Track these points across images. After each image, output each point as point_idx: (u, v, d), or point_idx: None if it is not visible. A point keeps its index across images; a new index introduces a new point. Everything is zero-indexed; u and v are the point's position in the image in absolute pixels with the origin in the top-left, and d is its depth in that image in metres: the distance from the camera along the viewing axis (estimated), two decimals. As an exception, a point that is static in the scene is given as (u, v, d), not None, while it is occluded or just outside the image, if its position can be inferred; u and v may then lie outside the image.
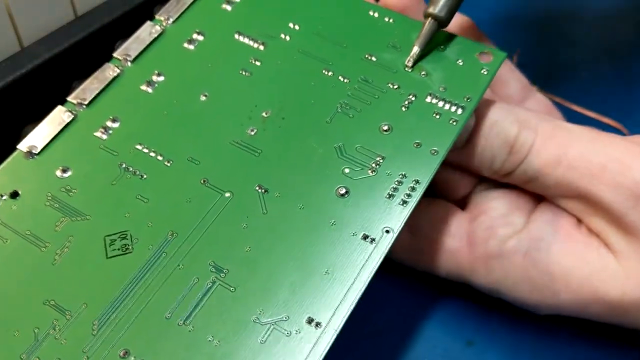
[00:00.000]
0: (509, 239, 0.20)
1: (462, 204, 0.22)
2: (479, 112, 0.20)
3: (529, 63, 0.31)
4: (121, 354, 0.16)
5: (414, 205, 0.18)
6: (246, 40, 0.21)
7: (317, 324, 0.16)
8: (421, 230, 0.21)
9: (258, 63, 0.21)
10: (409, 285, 0.22)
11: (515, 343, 0.21)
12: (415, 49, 0.21)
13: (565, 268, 0.20)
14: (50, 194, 0.18)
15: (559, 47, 0.31)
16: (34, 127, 0.19)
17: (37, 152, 0.19)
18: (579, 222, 0.20)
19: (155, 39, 0.21)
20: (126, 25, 0.23)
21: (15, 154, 0.19)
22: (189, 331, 0.16)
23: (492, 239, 0.20)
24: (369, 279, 0.17)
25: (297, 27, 0.22)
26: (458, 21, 0.23)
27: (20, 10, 0.21)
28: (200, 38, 0.22)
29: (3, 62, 0.21)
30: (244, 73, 0.21)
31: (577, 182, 0.19)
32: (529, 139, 0.20)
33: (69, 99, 0.20)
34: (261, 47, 0.21)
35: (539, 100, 0.24)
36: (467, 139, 0.20)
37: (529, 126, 0.20)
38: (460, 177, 0.22)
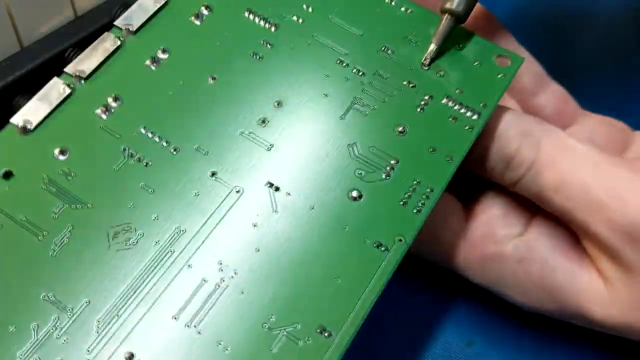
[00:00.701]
0: (506, 242, 0.20)
1: (461, 196, 0.22)
2: None
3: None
4: (126, 356, 0.16)
5: (428, 213, 0.18)
6: (257, 20, 0.21)
7: (329, 334, 0.16)
8: (424, 224, 0.21)
9: (269, 47, 0.20)
10: (408, 286, 0.22)
11: (516, 343, 0.22)
12: (432, 47, 0.20)
13: (555, 282, 0.20)
14: (46, 177, 0.17)
15: (560, 47, 0.31)
16: (25, 99, 0.18)
17: (31, 128, 0.18)
18: (577, 240, 0.20)
19: (159, 9, 0.20)
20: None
21: (7, 128, 0.18)
22: (197, 334, 0.16)
23: (490, 241, 0.20)
24: (381, 289, 0.17)
25: (310, 10, 0.21)
26: (477, 13, 0.23)
27: (20, 10, 0.21)
28: (208, 13, 0.21)
29: (3, 62, 0.21)
30: (254, 56, 0.20)
31: (575, 212, 0.19)
32: (528, 156, 0.20)
33: (65, 70, 0.19)
34: (272, 29, 0.20)
35: (554, 91, 0.24)
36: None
37: (531, 142, 0.20)
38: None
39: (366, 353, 0.21)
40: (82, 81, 0.19)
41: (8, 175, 0.17)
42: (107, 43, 0.19)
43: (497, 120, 0.20)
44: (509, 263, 0.20)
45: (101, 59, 0.19)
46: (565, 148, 0.20)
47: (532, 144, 0.20)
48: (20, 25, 0.21)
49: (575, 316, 0.20)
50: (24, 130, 0.18)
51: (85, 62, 0.19)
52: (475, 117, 0.19)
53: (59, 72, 0.21)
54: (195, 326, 0.16)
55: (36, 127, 0.18)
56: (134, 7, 0.20)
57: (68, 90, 0.18)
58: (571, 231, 0.20)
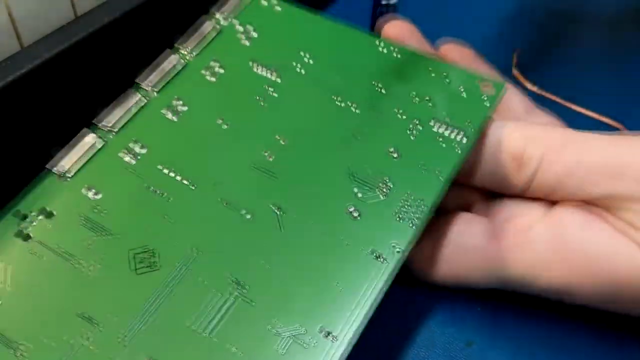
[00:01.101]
0: (532, 225, 0.21)
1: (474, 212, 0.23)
2: (483, 136, 0.22)
3: (529, 62, 0.31)
4: None
5: (422, 225, 0.20)
6: (263, 73, 0.24)
7: (333, 337, 0.18)
8: (445, 240, 0.22)
9: (275, 94, 0.23)
10: (407, 285, 0.22)
11: (515, 344, 0.22)
12: None
13: (590, 256, 0.20)
14: (82, 214, 0.20)
15: (559, 47, 0.31)
16: (62, 150, 0.21)
17: (70, 176, 0.21)
18: (605, 216, 0.21)
19: (178, 71, 0.23)
20: (126, 26, 0.23)
21: (49, 177, 0.21)
22: (212, 342, 0.18)
23: (515, 228, 0.21)
24: (380, 295, 0.18)
25: (311, 61, 0.24)
26: (459, 51, 0.25)
27: (20, 10, 0.21)
28: (221, 71, 0.24)
29: (3, 62, 0.21)
30: (261, 103, 0.23)
31: (598, 185, 0.20)
32: (536, 152, 0.21)
33: (99, 125, 0.22)
34: (278, 80, 0.23)
35: (543, 115, 0.25)
36: (476, 164, 0.22)
37: (534, 140, 0.21)
38: (470, 191, 0.23)
39: (365, 353, 0.21)
40: (113, 134, 0.22)
41: (50, 215, 0.20)
42: (133, 100, 0.23)
43: (496, 133, 0.21)
44: (539, 245, 0.20)
45: (130, 115, 0.22)
46: (569, 135, 0.21)
47: (536, 142, 0.21)
48: (20, 25, 0.21)
49: (615, 292, 0.20)
50: (63, 177, 0.21)
51: (116, 118, 0.22)
52: (463, 139, 0.21)
53: (59, 73, 0.21)
54: (210, 335, 0.18)
55: (73, 174, 0.21)
56: (156, 71, 0.23)
57: (101, 143, 0.22)
58: (597, 210, 0.21)
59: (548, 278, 0.21)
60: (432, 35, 0.34)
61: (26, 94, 0.21)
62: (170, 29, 0.24)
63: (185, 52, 0.24)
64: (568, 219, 0.21)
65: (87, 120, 0.22)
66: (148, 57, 0.24)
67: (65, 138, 0.21)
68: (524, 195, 0.22)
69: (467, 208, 0.23)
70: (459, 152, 0.21)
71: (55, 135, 0.21)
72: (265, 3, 0.25)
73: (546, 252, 0.20)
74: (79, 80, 0.22)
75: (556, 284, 0.21)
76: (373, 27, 0.32)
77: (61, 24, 0.23)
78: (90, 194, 0.20)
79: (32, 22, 0.22)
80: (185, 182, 0.21)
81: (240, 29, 0.25)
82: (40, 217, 0.20)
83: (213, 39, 0.24)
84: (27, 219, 0.20)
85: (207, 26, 0.25)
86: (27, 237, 0.20)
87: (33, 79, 0.21)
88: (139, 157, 0.21)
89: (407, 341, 0.22)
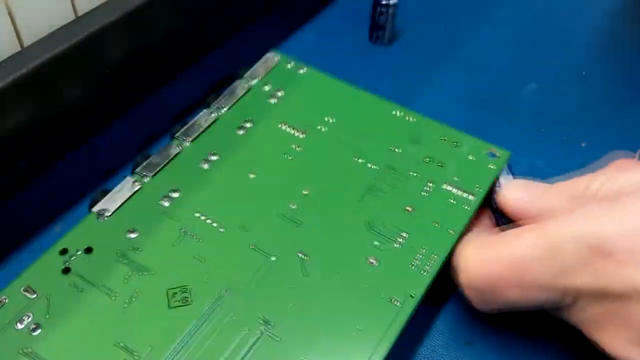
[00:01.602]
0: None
1: None
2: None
3: (529, 64, 0.31)
4: None
5: (435, 273, 0.22)
6: (289, 130, 0.26)
7: None
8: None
9: (299, 149, 0.25)
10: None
11: (515, 344, 0.22)
12: None
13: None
14: (119, 251, 0.22)
15: (559, 48, 0.31)
16: (103, 194, 0.23)
17: (108, 215, 0.23)
18: None
19: (210, 125, 0.26)
20: (126, 26, 0.23)
21: (89, 216, 0.23)
22: None
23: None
24: (396, 337, 0.20)
25: (332, 121, 0.27)
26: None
27: (20, 10, 0.21)
28: (249, 125, 0.26)
29: (3, 62, 0.21)
30: (287, 157, 0.25)
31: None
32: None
33: (136, 171, 0.24)
34: (302, 136, 0.26)
35: None
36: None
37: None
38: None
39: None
40: (149, 178, 0.24)
41: (89, 250, 0.22)
42: (170, 149, 0.25)
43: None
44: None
45: (165, 161, 0.24)
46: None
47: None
48: (20, 25, 0.21)
49: None
50: (102, 217, 0.23)
51: (152, 164, 0.24)
52: (471, 198, 0.24)
53: (59, 73, 0.21)
54: None
55: (112, 214, 0.23)
56: (189, 124, 0.26)
57: (138, 186, 0.24)
58: None
59: (609, 226, 0.18)
60: (431, 34, 0.34)
61: (26, 94, 0.21)
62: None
63: (218, 108, 0.27)
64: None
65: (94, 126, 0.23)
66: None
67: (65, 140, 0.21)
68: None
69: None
70: (469, 212, 0.23)
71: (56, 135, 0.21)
72: (289, 66, 0.29)
73: (602, 204, 0.19)
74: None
75: (619, 231, 0.18)
76: (373, 27, 0.32)
77: (61, 24, 0.23)
78: (127, 233, 0.22)
79: (32, 22, 0.22)
80: (215, 225, 0.23)
81: (267, 88, 0.28)
82: (79, 252, 0.22)
83: (243, 97, 0.27)
84: (68, 253, 0.21)
85: (239, 87, 0.27)
86: (67, 271, 0.21)
87: (33, 79, 0.21)
88: (172, 201, 0.23)
89: (405, 341, 0.22)
